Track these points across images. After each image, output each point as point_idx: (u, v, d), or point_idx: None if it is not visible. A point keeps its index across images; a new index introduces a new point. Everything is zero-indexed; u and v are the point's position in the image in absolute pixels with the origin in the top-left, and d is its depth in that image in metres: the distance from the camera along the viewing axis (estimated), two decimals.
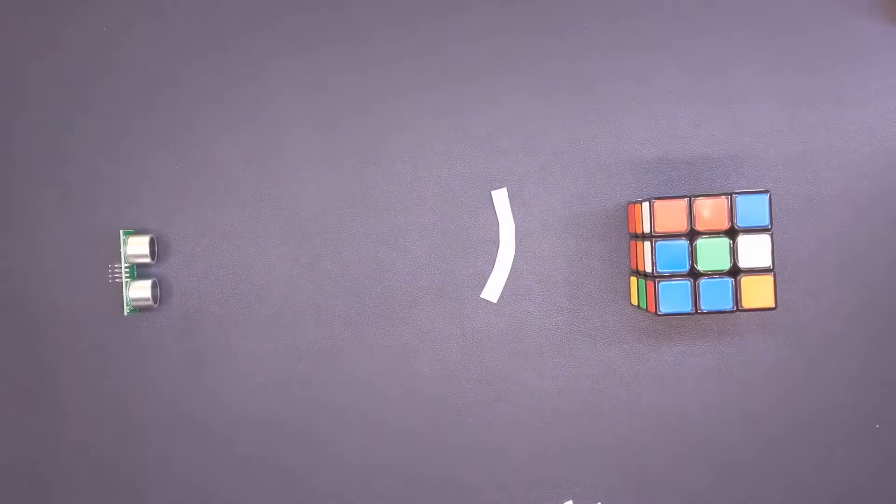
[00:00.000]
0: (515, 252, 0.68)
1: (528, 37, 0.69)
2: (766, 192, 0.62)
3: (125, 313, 0.69)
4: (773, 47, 0.69)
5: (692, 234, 0.63)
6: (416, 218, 0.70)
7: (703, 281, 0.62)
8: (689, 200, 0.62)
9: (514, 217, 0.68)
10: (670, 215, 0.62)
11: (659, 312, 0.62)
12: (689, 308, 0.62)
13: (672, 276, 0.62)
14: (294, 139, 0.70)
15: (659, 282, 0.62)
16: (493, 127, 0.70)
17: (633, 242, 0.68)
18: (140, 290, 0.69)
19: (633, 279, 0.68)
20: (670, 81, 0.69)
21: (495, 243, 0.70)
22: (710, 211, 0.62)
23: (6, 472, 0.71)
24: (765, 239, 0.62)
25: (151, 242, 0.69)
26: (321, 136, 0.70)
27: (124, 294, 0.69)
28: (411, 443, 0.70)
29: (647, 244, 0.64)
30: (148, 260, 0.69)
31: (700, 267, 0.62)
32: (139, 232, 0.70)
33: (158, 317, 0.70)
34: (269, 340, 0.70)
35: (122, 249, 0.69)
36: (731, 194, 0.62)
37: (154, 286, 0.69)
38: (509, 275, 0.70)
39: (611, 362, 0.69)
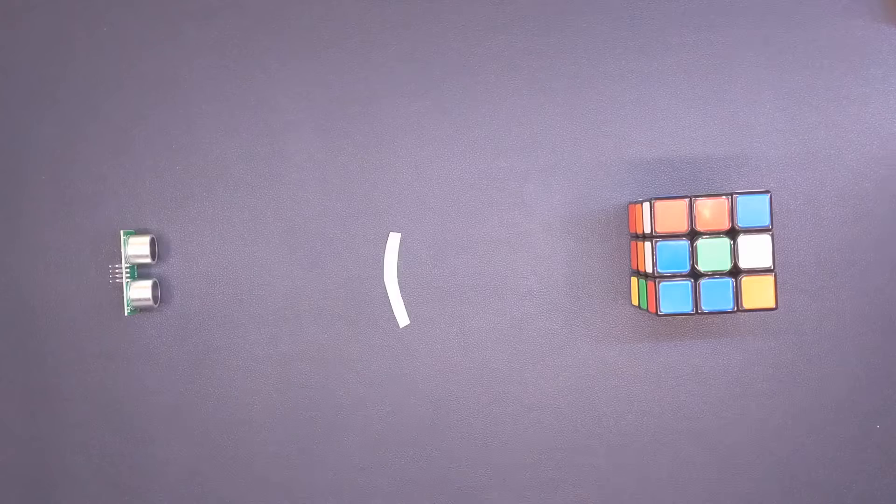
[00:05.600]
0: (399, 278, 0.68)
1: (528, 37, 0.69)
2: (766, 192, 0.62)
3: (125, 313, 0.69)
4: (773, 47, 0.69)
5: (693, 235, 0.63)
6: (416, 218, 0.70)
7: (703, 281, 0.62)
8: (690, 201, 0.62)
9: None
10: (671, 215, 0.62)
11: (659, 313, 0.62)
12: (689, 308, 0.62)
13: (673, 276, 0.62)
14: (294, 139, 0.70)
15: (659, 282, 0.62)
16: (493, 127, 0.70)
17: (633, 243, 0.68)
18: (140, 291, 0.69)
19: (634, 279, 0.68)
20: (671, 81, 0.69)
21: (496, 243, 0.70)
22: (710, 211, 0.62)
23: (6, 472, 0.71)
24: (765, 239, 0.62)
25: (152, 243, 0.69)
26: (321, 136, 0.70)
27: (125, 294, 0.69)
28: (411, 443, 0.70)
29: (648, 244, 0.64)
30: (148, 260, 0.69)
31: (701, 267, 0.62)
32: (139, 232, 0.70)
33: (159, 317, 0.70)
34: (269, 340, 0.70)
35: (122, 250, 0.69)
36: (731, 195, 0.62)
37: (154, 286, 0.69)
38: (509, 275, 0.70)
39: (611, 362, 0.69)
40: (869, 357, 0.69)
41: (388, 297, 0.68)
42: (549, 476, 0.70)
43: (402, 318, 0.64)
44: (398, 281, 0.69)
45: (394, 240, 0.62)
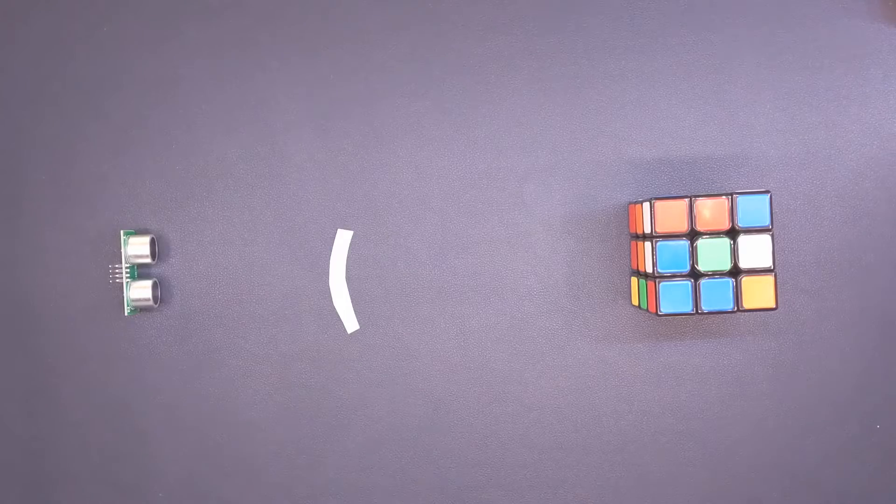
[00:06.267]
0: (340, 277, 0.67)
1: (528, 37, 0.69)
2: (766, 192, 0.62)
3: (125, 314, 0.69)
4: (773, 47, 0.69)
5: (693, 235, 0.63)
6: (416, 218, 0.70)
7: (703, 281, 0.62)
8: (690, 201, 0.62)
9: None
10: (671, 215, 0.62)
11: (659, 313, 0.62)
12: (689, 308, 0.62)
13: (673, 276, 0.62)
14: (294, 139, 0.70)
15: (659, 282, 0.62)
16: (493, 127, 0.70)
17: (633, 243, 0.68)
18: (140, 291, 0.69)
19: (634, 279, 0.68)
20: (671, 81, 0.69)
21: (496, 243, 0.70)
22: (710, 211, 0.62)
23: (6, 472, 0.71)
24: (765, 239, 0.62)
25: (152, 243, 0.69)
26: (321, 136, 0.70)
27: (125, 294, 0.69)
28: (411, 443, 0.70)
29: (648, 244, 0.64)
30: (148, 260, 0.69)
31: (701, 267, 0.62)
32: (139, 232, 0.70)
33: (159, 317, 0.70)
34: (269, 340, 0.70)
35: (122, 250, 0.69)
36: (731, 194, 0.62)
37: (154, 286, 0.69)
38: (509, 275, 0.70)
39: (611, 362, 0.69)
40: (869, 357, 0.69)
41: (336, 302, 0.67)
42: (549, 476, 0.70)
43: (351, 324, 0.63)
44: (347, 282, 0.68)
45: (343, 237, 0.61)
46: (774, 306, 0.62)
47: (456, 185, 0.70)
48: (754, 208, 0.62)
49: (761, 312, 0.69)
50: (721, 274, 0.62)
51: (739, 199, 0.62)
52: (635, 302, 0.68)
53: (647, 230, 0.64)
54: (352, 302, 0.70)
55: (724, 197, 0.62)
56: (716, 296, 0.62)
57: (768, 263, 0.62)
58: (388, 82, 0.70)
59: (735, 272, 0.62)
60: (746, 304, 0.62)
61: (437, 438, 0.70)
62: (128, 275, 0.69)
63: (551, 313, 0.70)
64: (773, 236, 0.62)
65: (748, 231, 0.62)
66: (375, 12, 0.70)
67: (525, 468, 0.70)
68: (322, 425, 0.70)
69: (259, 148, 0.70)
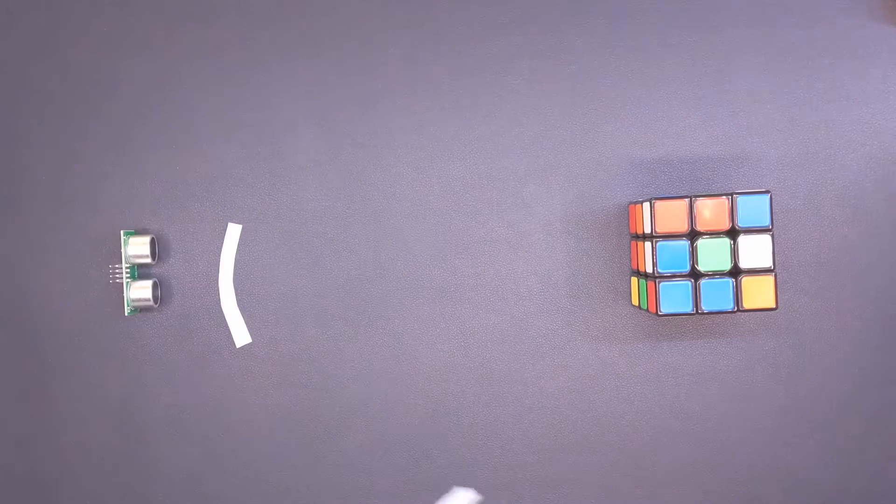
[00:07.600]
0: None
1: (528, 37, 0.69)
2: (766, 192, 0.62)
3: (126, 314, 0.69)
4: (773, 47, 0.69)
5: (693, 235, 0.63)
6: (416, 218, 0.70)
7: (703, 281, 0.62)
8: (690, 201, 0.62)
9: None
10: (671, 216, 0.62)
11: (660, 313, 0.62)
12: (689, 308, 0.62)
13: (673, 276, 0.62)
14: (294, 139, 0.70)
15: (660, 282, 0.62)
16: (493, 127, 0.70)
17: (633, 243, 0.68)
18: (141, 291, 0.69)
19: (634, 279, 0.68)
20: (671, 81, 0.69)
21: (496, 243, 0.70)
22: (710, 211, 0.62)
23: (6, 472, 0.71)
24: (765, 239, 0.62)
25: (152, 243, 0.69)
26: (321, 136, 0.70)
27: (125, 294, 0.69)
28: (411, 443, 0.70)
29: (648, 244, 0.64)
30: (148, 260, 0.69)
31: (701, 267, 0.62)
32: (140, 232, 0.70)
33: (159, 317, 0.70)
34: (269, 340, 0.70)
35: (122, 250, 0.69)
36: (731, 195, 0.62)
37: (154, 286, 0.69)
38: (509, 275, 0.70)
39: (611, 362, 0.70)
40: (869, 357, 0.69)
41: (224, 307, 0.66)
42: (549, 476, 0.70)
43: (241, 336, 0.61)
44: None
45: (233, 232, 0.59)
46: (774, 306, 0.62)
47: (456, 185, 0.70)
48: (754, 208, 0.62)
49: (761, 312, 0.69)
50: (721, 274, 0.62)
51: (739, 199, 0.62)
52: (635, 302, 0.68)
53: (647, 230, 0.64)
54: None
55: (724, 197, 0.62)
56: (716, 296, 0.62)
57: (768, 263, 0.62)
58: (388, 82, 0.70)
59: (735, 272, 0.62)
60: (746, 304, 0.62)
61: (437, 438, 0.70)
62: (128, 275, 0.69)
63: (551, 313, 0.70)
64: (773, 236, 0.62)
65: (748, 231, 0.62)
66: (375, 12, 0.70)
67: (525, 468, 0.70)
68: (322, 425, 0.70)
69: (259, 148, 0.70)
